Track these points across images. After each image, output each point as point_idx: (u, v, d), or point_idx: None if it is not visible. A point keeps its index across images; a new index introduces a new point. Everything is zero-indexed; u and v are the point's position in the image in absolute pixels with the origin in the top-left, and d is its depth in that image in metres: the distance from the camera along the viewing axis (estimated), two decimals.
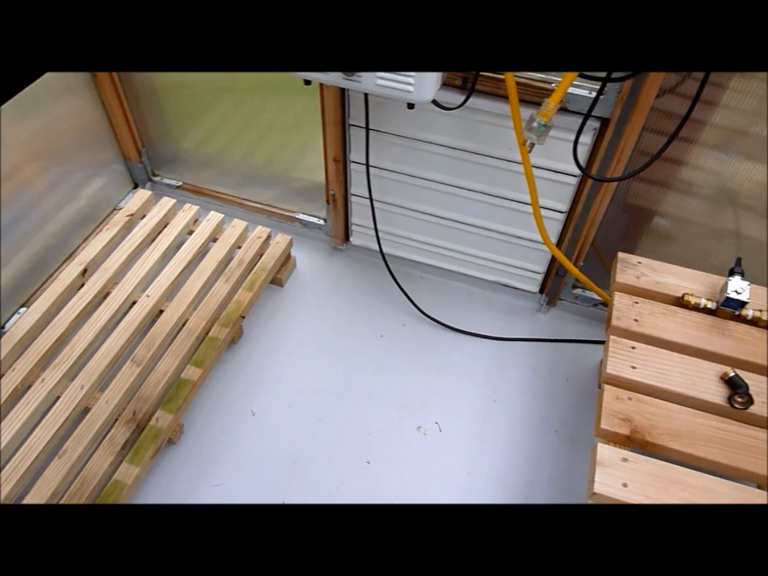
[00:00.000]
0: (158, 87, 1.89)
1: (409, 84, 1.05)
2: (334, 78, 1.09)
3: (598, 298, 1.79)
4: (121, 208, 1.98)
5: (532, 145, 1.12)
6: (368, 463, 1.56)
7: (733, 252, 1.65)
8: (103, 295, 1.74)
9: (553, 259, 1.72)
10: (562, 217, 1.58)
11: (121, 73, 1.85)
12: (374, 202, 1.73)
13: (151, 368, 1.59)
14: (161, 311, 1.71)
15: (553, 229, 1.62)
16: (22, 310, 1.75)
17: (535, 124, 1.05)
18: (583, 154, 1.42)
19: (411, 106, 1.13)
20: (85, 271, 1.79)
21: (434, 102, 1.24)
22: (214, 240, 1.91)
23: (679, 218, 1.63)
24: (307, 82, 1.17)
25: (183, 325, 1.68)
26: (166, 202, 1.98)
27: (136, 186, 2.16)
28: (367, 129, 1.53)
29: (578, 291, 1.83)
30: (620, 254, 1.48)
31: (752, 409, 1.23)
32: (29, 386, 1.52)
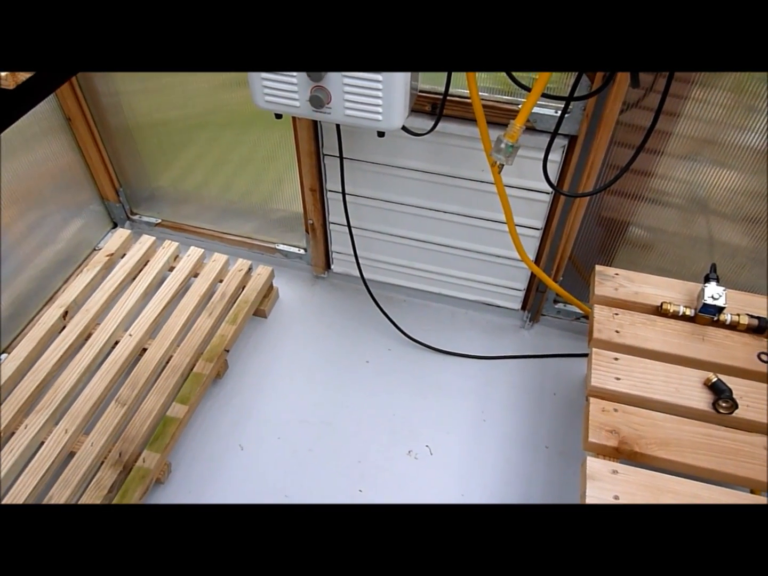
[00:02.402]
0: (132, 126, 1.90)
1: (378, 113, 1.07)
2: (303, 111, 1.11)
3: (580, 311, 1.80)
4: (100, 248, 1.98)
5: (502, 166, 1.14)
6: (360, 491, 1.54)
7: (708, 258, 1.68)
8: (84, 336, 1.73)
9: (533, 275, 1.74)
10: (538, 233, 1.60)
11: (95, 113, 1.86)
12: (353, 229, 1.74)
13: (136, 408, 1.57)
14: (144, 349, 1.70)
15: (531, 246, 1.64)
16: (3, 356, 1.73)
17: (502, 146, 1.07)
18: (553, 171, 1.45)
19: (381, 134, 1.15)
20: (66, 313, 1.78)
21: (404, 128, 1.26)
22: (196, 275, 1.91)
23: (652, 228, 1.66)
24: (278, 116, 1.18)
25: (167, 363, 1.67)
26: (146, 240, 1.98)
27: (115, 225, 2.16)
28: (341, 158, 1.55)
29: (560, 306, 1.85)
30: (597, 267, 1.50)
31: (737, 413, 1.24)
32: (12, 433, 1.50)
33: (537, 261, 1.69)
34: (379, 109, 1.07)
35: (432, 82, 1.38)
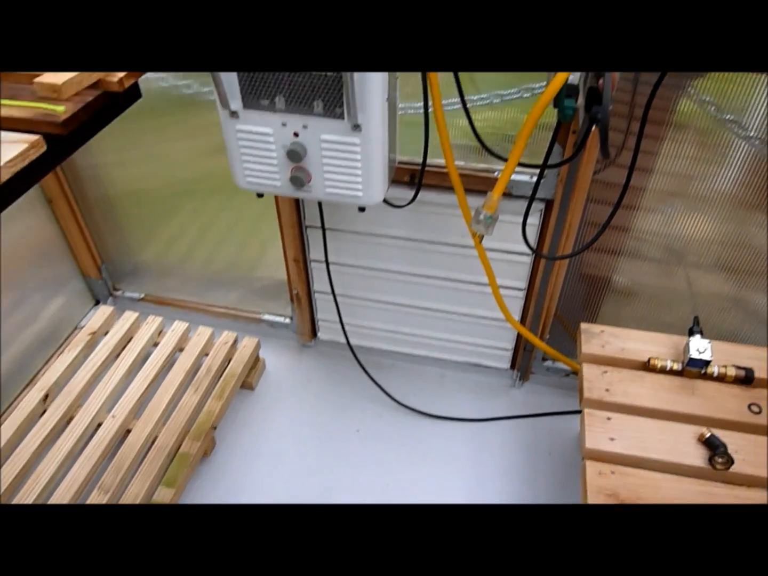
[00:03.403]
0: (114, 199, 1.90)
1: (358, 189, 1.09)
2: (284, 190, 1.13)
3: (569, 368, 1.80)
4: (83, 327, 1.96)
5: (482, 236, 1.16)
6: None
7: (690, 306, 1.70)
8: (66, 419, 1.68)
9: (520, 334, 1.74)
10: (521, 294, 1.62)
11: (75, 188, 1.86)
12: (338, 297, 1.75)
13: (120, 493, 1.51)
14: (128, 431, 1.65)
15: (515, 306, 1.65)
16: None
17: (481, 217, 1.09)
18: (533, 234, 1.48)
19: (362, 209, 1.16)
20: (46, 396, 1.73)
21: (385, 201, 1.28)
22: (181, 350, 1.89)
23: (634, 282, 1.68)
24: (260, 195, 1.20)
25: (152, 443, 1.62)
26: (129, 316, 1.96)
27: (97, 302, 2.14)
28: (323, 229, 1.57)
29: (549, 363, 1.84)
30: (583, 325, 1.51)
31: (734, 468, 1.22)
32: None
33: (523, 320, 1.70)
34: (359, 186, 1.09)
35: (410, 153, 1.42)
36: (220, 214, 1.89)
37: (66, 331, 2.01)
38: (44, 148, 0.79)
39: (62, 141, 0.84)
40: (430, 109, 1.13)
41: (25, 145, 0.76)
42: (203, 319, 2.06)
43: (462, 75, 1.27)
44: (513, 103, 1.43)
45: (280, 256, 1.81)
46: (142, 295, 2.12)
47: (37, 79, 0.87)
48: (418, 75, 1.10)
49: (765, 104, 1.29)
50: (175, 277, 2.08)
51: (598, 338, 1.48)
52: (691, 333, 1.41)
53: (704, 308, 1.69)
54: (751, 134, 1.35)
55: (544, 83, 1.23)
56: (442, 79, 1.17)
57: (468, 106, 1.36)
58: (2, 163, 0.72)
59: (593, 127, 1.04)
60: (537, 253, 1.36)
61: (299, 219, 1.62)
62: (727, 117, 1.34)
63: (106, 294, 2.12)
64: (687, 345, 1.39)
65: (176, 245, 2.01)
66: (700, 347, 1.38)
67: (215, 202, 1.85)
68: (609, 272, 1.67)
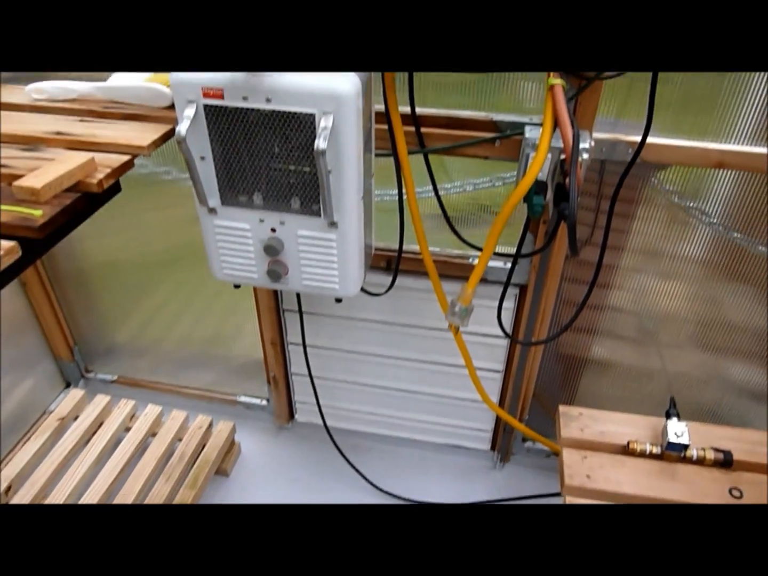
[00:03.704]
0: (88, 271, 1.87)
1: (334, 282, 1.10)
2: (261, 282, 1.13)
3: (550, 449, 1.79)
4: (52, 411, 1.90)
5: (458, 327, 1.17)
6: None
7: (666, 383, 1.71)
8: None
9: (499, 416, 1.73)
10: (499, 375, 1.62)
11: (48, 266, 1.84)
12: (315, 379, 1.73)
13: None
14: None
15: (493, 388, 1.65)
16: None
17: (457, 309, 1.11)
18: (508, 317, 1.50)
19: (339, 299, 1.17)
20: (9, 488, 1.66)
21: (362, 289, 1.29)
22: (153, 434, 1.83)
23: (610, 360, 1.70)
24: (237, 286, 1.20)
25: None
26: (101, 400, 1.91)
27: (68, 385, 2.09)
28: (301, 313, 1.57)
29: (529, 444, 1.83)
30: (561, 408, 1.50)
31: None
32: None
33: (501, 401, 1.69)
34: (336, 279, 1.10)
35: (386, 238, 1.44)
36: (197, 290, 1.87)
37: (34, 415, 1.95)
38: (19, 254, 0.79)
39: (38, 243, 0.85)
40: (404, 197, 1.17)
41: None
42: (177, 401, 2.01)
43: (434, 164, 1.32)
44: (485, 191, 1.48)
45: (257, 334, 1.79)
46: (115, 377, 2.07)
47: (15, 183, 0.88)
48: (392, 163, 1.14)
49: (724, 193, 1.35)
50: (149, 356, 2.05)
51: (577, 421, 1.48)
52: (668, 416, 1.42)
53: (680, 385, 1.71)
54: (714, 221, 1.40)
55: (515, 172, 1.28)
56: (415, 168, 1.21)
57: (441, 193, 1.41)
58: None
59: (561, 222, 1.07)
60: (513, 339, 1.37)
61: (277, 303, 1.63)
62: (690, 204, 1.40)
63: (78, 376, 2.07)
64: (665, 428, 1.38)
65: (151, 324, 1.99)
66: (677, 430, 1.38)
67: (192, 274, 1.82)
68: (585, 351, 1.68)
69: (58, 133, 1.10)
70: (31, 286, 1.85)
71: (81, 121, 1.17)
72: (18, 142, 1.09)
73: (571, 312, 1.58)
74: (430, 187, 1.34)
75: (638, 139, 1.18)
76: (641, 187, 1.38)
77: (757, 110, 1.19)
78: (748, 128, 1.22)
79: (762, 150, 1.20)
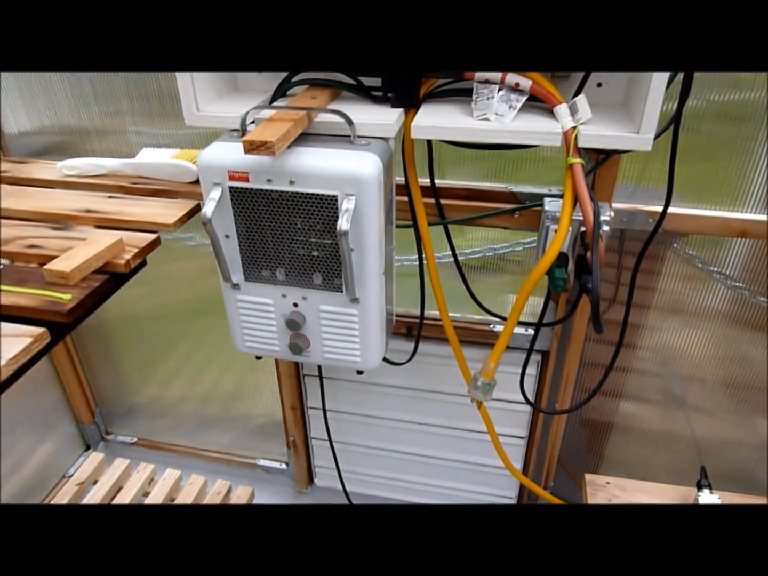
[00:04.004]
0: (109, 329, 1.89)
1: (356, 355, 1.10)
2: (283, 354, 1.14)
3: None
4: (71, 475, 1.89)
5: (480, 402, 1.16)
6: None
7: (695, 452, 1.66)
8: None
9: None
10: (523, 442, 1.59)
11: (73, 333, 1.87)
12: (335, 444, 1.71)
13: None
14: None
15: (517, 454, 1.61)
16: None
17: (479, 383, 1.09)
18: (531, 384, 1.48)
19: (360, 371, 1.17)
20: None
21: (384, 359, 1.29)
22: (172, 500, 1.81)
23: (636, 427, 1.66)
24: (258, 357, 1.21)
25: None
26: (120, 464, 1.90)
27: (88, 448, 2.09)
28: (321, 378, 1.57)
29: None
30: (587, 476, 1.47)
31: None
32: None
33: (525, 468, 1.65)
34: (357, 352, 1.10)
35: (407, 304, 1.45)
36: (218, 344, 1.86)
37: (53, 480, 1.94)
38: (48, 340, 0.81)
39: (65, 327, 0.86)
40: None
41: (29, 340, 0.77)
42: (196, 464, 2.00)
43: (454, 229, 1.33)
44: (505, 257, 1.48)
45: (277, 395, 1.79)
46: (135, 439, 2.07)
47: (46, 266, 0.90)
48: (411, 231, 1.16)
49: (747, 258, 1.34)
50: (169, 417, 2.05)
51: (604, 491, 1.43)
52: (699, 487, 1.37)
53: (711, 450, 1.66)
54: (739, 284, 1.39)
55: (535, 237, 1.29)
56: (436, 233, 1.22)
57: (461, 258, 1.41)
58: (4, 362, 0.72)
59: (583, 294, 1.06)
60: (536, 407, 1.35)
61: (297, 368, 1.63)
62: (714, 269, 1.39)
63: (98, 438, 2.07)
64: (696, 501, 1.34)
65: (171, 381, 1.99)
66: (709, 502, 1.33)
67: (212, 327, 1.82)
68: (611, 416, 1.65)
69: (88, 211, 1.13)
70: (58, 353, 1.88)
71: (110, 197, 1.21)
72: (49, 220, 1.12)
73: (595, 374, 1.56)
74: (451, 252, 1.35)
75: (658, 208, 1.18)
76: (663, 253, 1.38)
77: None
78: (765, 197, 1.22)
79: None
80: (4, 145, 1.53)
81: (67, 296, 0.86)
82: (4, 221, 1.11)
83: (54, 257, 0.94)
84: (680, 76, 0.90)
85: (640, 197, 1.27)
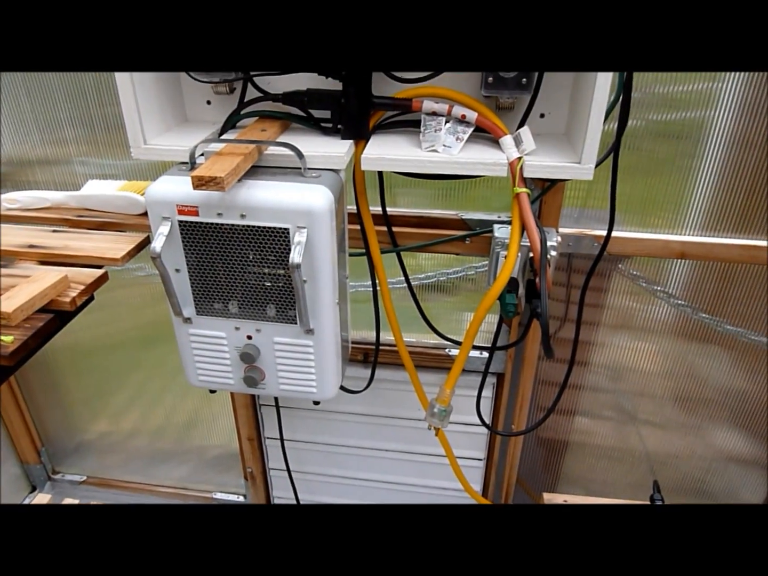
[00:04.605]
0: (53, 360, 1.81)
1: (312, 386, 1.09)
2: (238, 387, 1.12)
3: None
4: None
5: (438, 428, 1.17)
6: None
7: (648, 464, 1.71)
8: None
9: None
10: (481, 464, 1.60)
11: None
12: (294, 474, 1.68)
13: None
14: None
15: (476, 476, 1.63)
16: None
17: (436, 410, 1.10)
18: (487, 406, 1.49)
19: (317, 402, 1.16)
20: None
21: (342, 388, 1.29)
22: None
23: (590, 443, 1.69)
24: (212, 391, 1.18)
25: None
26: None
27: (33, 489, 1.99)
28: (278, 407, 1.55)
29: None
30: (546, 495, 1.49)
31: None
32: None
33: (485, 490, 1.66)
34: (313, 383, 1.09)
35: (363, 327, 1.45)
36: (169, 374, 1.81)
37: None
38: None
39: (7, 370, 0.83)
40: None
41: None
42: (150, 501, 1.94)
43: (407, 256, 1.34)
44: (457, 282, 1.50)
45: (233, 425, 1.75)
46: (84, 477, 1.99)
47: None
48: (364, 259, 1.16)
49: (688, 278, 1.40)
50: (119, 452, 1.98)
51: None
52: (652, 501, 1.41)
53: (663, 462, 1.70)
54: (681, 302, 1.44)
55: (486, 261, 1.31)
56: (389, 260, 1.23)
57: (415, 283, 1.43)
58: None
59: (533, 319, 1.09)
60: (492, 430, 1.37)
61: (253, 398, 1.60)
62: (657, 288, 1.44)
63: (44, 479, 1.99)
64: None
65: (121, 415, 1.92)
66: None
67: (162, 355, 1.77)
68: (566, 434, 1.68)
69: (31, 246, 1.10)
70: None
71: (54, 231, 1.17)
72: None
73: (549, 392, 1.59)
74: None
75: (602, 232, 1.22)
76: (609, 272, 1.42)
77: (707, 202, 1.26)
78: (702, 219, 1.28)
79: (718, 240, 1.25)
80: None
81: (8, 338, 0.83)
82: None
83: None
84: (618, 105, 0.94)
85: (585, 221, 1.31)
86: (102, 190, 1.25)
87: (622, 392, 1.61)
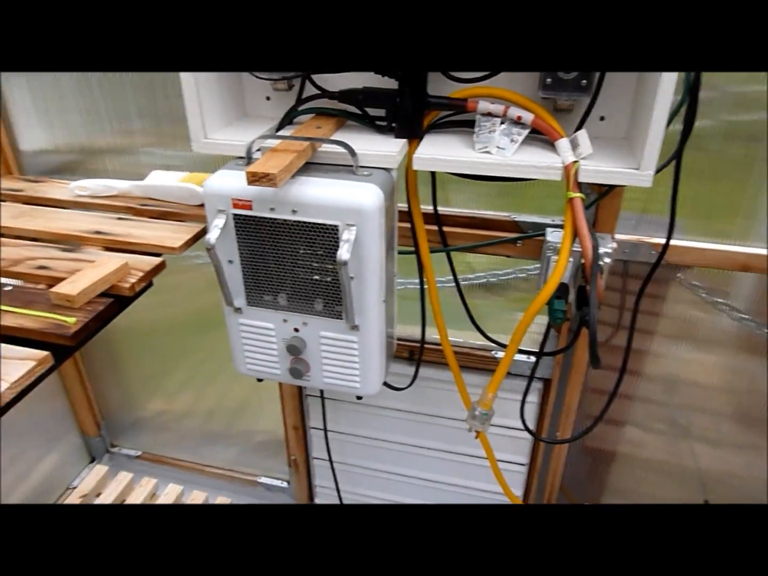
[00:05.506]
0: (116, 340, 1.88)
1: (356, 381, 1.11)
2: (284, 378, 1.15)
3: None
4: (75, 487, 1.91)
5: (478, 432, 1.16)
6: None
7: (699, 482, 1.65)
8: None
9: None
10: (524, 469, 1.58)
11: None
12: (335, 465, 1.71)
13: None
14: None
15: (518, 481, 1.61)
16: None
17: (477, 413, 1.10)
18: (532, 411, 1.47)
19: (359, 396, 1.17)
20: None
21: (385, 384, 1.30)
22: None
23: (639, 456, 1.64)
24: (259, 380, 1.22)
25: None
26: (123, 478, 1.91)
27: (93, 460, 2.10)
28: (323, 398, 1.57)
29: None
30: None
31: None
32: None
33: (526, 495, 1.64)
34: (357, 378, 1.10)
35: (410, 323, 1.45)
36: (223, 357, 1.86)
37: (57, 491, 1.95)
38: (51, 363, 0.82)
39: (69, 349, 0.88)
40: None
41: (32, 363, 0.79)
42: (199, 480, 2.01)
43: (457, 255, 1.33)
44: (509, 283, 1.48)
45: (279, 412, 1.79)
46: (139, 453, 2.08)
47: (52, 289, 0.92)
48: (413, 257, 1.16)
49: (752, 291, 1.34)
50: (173, 431, 2.06)
51: None
52: None
53: (715, 482, 1.64)
54: (745, 316, 1.38)
55: (538, 264, 1.29)
56: (438, 259, 1.22)
57: (464, 284, 1.42)
58: (7, 386, 0.74)
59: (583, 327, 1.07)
60: (536, 437, 1.35)
61: (299, 389, 1.63)
62: (719, 300, 1.38)
63: (103, 451, 2.09)
64: None
65: (177, 396, 2.00)
66: None
67: (218, 339, 1.81)
68: (614, 444, 1.63)
69: (97, 233, 1.16)
70: (65, 366, 1.90)
71: (119, 219, 1.23)
72: (59, 241, 1.14)
73: (597, 400, 1.55)
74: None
75: (661, 240, 1.18)
76: (666, 282, 1.37)
77: None
78: None
79: None
80: (20, 163, 1.56)
81: (71, 319, 0.87)
82: (16, 241, 1.13)
83: (62, 279, 0.96)
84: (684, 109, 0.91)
85: (645, 226, 1.27)
86: (165, 181, 1.30)
87: (676, 405, 1.56)
